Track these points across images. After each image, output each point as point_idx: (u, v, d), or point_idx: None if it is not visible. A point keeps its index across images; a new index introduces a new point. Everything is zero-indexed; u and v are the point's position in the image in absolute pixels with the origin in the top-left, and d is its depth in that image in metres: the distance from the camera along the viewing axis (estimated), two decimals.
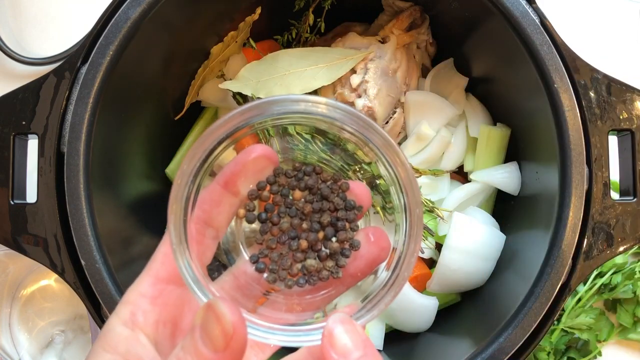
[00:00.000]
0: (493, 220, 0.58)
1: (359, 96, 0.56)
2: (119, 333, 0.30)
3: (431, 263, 0.60)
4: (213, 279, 0.34)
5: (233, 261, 0.35)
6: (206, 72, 0.58)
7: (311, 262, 0.32)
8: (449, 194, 0.59)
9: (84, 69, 0.44)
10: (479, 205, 0.59)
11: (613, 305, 0.64)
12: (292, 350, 0.33)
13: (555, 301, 0.44)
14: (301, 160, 0.38)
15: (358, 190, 0.34)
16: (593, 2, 0.70)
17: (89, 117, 0.44)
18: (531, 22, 0.45)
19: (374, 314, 0.30)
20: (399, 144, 0.61)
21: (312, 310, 0.34)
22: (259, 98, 0.34)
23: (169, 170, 0.60)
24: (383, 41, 0.58)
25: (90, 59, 0.44)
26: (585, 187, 0.44)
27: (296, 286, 0.33)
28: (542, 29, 0.45)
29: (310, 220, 0.33)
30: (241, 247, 0.36)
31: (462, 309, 0.59)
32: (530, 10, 0.45)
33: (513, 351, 0.43)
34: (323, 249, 0.33)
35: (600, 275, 0.63)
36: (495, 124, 0.60)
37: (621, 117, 0.46)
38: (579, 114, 0.45)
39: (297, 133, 0.42)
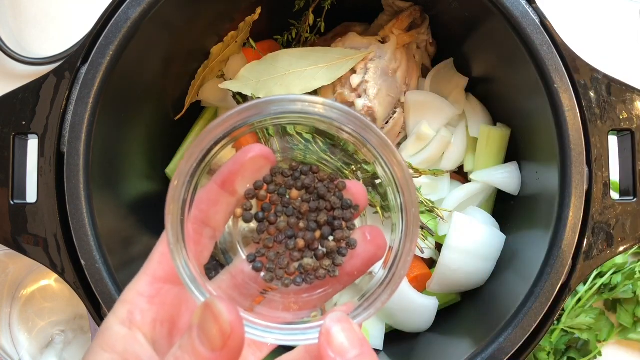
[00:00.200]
0: (493, 220, 0.58)
1: (359, 96, 0.56)
2: (116, 332, 0.30)
3: (431, 263, 0.60)
4: (210, 278, 0.34)
5: (230, 260, 0.36)
6: (206, 72, 0.58)
7: (308, 261, 0.33)
8: (449, 194, 0.59)
9: (84, 69, 0.44)
10: (479, 205, 0.59)
11: (613, 305, 0.64)
12: (289, 348, 0.33)
13: (555, 301, 0.44)
14: (301, 160, 0.38)
15: (355, 189, 0.34)
16: (593, 2, 0.70)
17: (89, 117, 0.44)
18: (531, 22, 0.45)
19: (370, 313, 0.30)
20: (399, 144, 0.61)
21: (309, 309, 0.34)
22: (258, 98, 0.34)
23: (169, 170, 0.60)
24: (383, 41, 0.58)
25: (90, 59, 0.44)
26: (585, 187, 0.44)
27: (293, 285, 0.33)
28: (542, 29, 0.45)
29: (307, 220, 0.33)
30: (238, 246, 0.36)
31: (462, 309, 0.59)
32: (530, 10, 0.45)
33: (513, 351, 0.43)
34: (320, 247, 0.33)
35: (600, 275, 0.63)
36: (495, 124, 0.60)
37: (621, 117, 0.46)
38: (579, 114, 0.45)
39: (297, 133, 0.42)
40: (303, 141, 0.41)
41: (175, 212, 0.29)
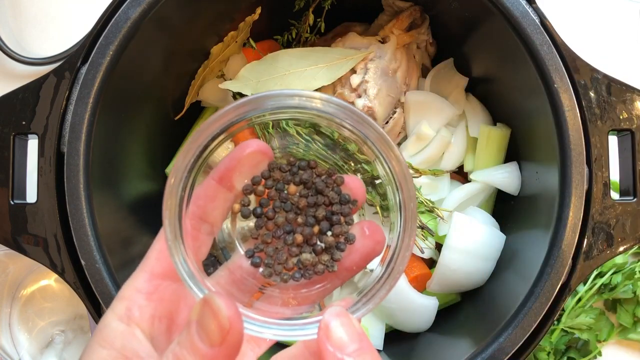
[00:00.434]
0: (493, 220, 0.58)
1: (359, 96, 0.56)
2: (114, 328, 0.30)
3: (431, 263, 0.60)
4: (209, 274, 0.34)
5: (228, 256, 0.36)
6: (206, 72, 0.58)
7: (306, 256, 0.33)
8: (449, 194, 0.59)
9: (84, 69, 0.44)
10: (479, 205, 0.59)
11: (613, 305, 0.64)
12: (287, 344, 0.33)
13: (555, 301, 0.44)
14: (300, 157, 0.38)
15: (353, 184, 0.34)
16: (593, 2, 0.70)
17: (89, 117, 0.44)
18: (531, 22, 0.45)
19: (369, 308, 0.30)
20: (399, 144, 0.61)
21: (307, 304, 0.34)
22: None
23: (169, 170, 0.60)
24: (383, 41, 0.58)
25: (90, 59, 0.44)
26: (585, 187, 0.44)
27: (292, 280, 0.33)
28: (542, 29, 0.45)
29: (305, 215, 0.33)
30: (236, 242, 0.36)
31: (462, 309, 0.59)
32: (530, 10, 0.45)
33: (513, 351, 0.43)
34: (318, 243, 0.33)
35: (600, 275, 0.63)
36: (495, 124, 0.60)
37: (621, 117, 0.46)
38: (579, 114, 0.45)
39: (297, 133, 0.42)
40: (303, 140, 0.41)
41: (173, 208, 0.29)
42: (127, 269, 0.45)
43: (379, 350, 0.57)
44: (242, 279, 0.34)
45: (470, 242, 0.53)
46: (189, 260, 0.30)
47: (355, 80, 0.56)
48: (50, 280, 0.63)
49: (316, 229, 0.33)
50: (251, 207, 0.34)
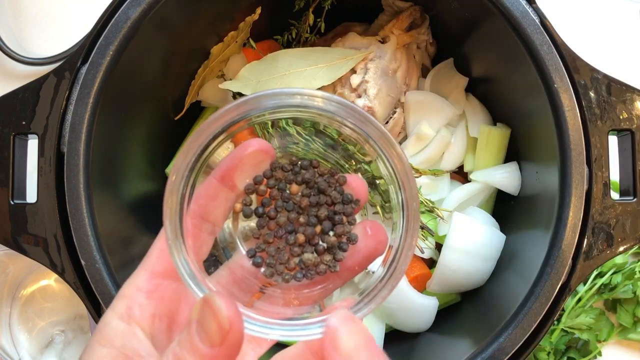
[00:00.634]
0: (493, 220, 0.58)
1: (359, 96, 0.56)
2: (114, 327, 0.30)
3: (431, 263, 0.60)
4: (209, 273, 0.34)
5: (230, 256, 0.35)
6: (206, 72, 0.58)
7: (308, 256, 0.32)
8: (449, 194, 0.59)
9: (84, 69, 0.44)
10: (479, 205, 0.59)
11: (613, 305, 0.64)
12: (288, 344, 0.33)
13: (555, 301, 0.44)
14: (301, 156, 0.38)
15: (355, 183, 0.34)
16: (593, 2, 0.70)
17: (89, 117, 0.44)
18: (531, 22, 0.45)
19: (371, 308, 0.30)
20: (399, 144, 0.61)
21: (309, 304, 0.34)
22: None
23: (169, 170, 0.60)
24: (383, 41, 0.58)
25: (90, 59, 0.44)
26: (585, 187, 0.44)
27: (293, 280, 0.33)
28: (542, 29, 0.45)
29: (308, 214, 0.33)
30: (238, 241, 0.36)
31: (462, 309, 0.59)
32: (530, 10, 0.45)
33: (513, 351, 0.43)
34: (320, 242, 0.33)
35: (600, 275, 0.63)
36: (495, 124, 0.60)
37: (621, 117, 0.46)
38: (579, 114, 0.45)
39: (298, 133, 0.42)
40: (303, 140, 0.41)
41: (174, 207, 0.29)
42: (127, 269, 0.45)
43: None
44: (243, 279, 0.34)
45: (470, 242, 0.53)
46: (190, 259, 0.29)
47: (355, 80, 0.56)
48: (50, 280, 0.63)
49: (318, 228, 0.33)
50: (253, 207, 0.33)
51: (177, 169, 0.29)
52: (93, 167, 0.44)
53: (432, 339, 0.56)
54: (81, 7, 0.69)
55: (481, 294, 0.56)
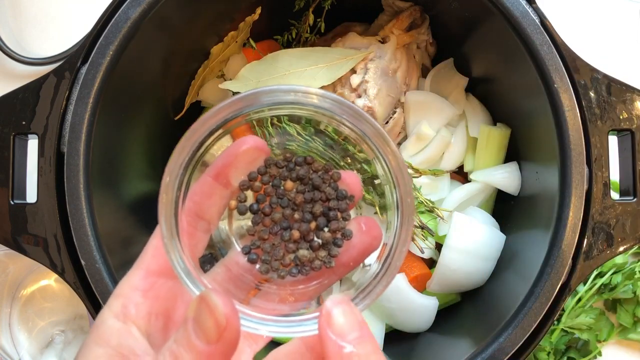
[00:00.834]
0: (493, 220, 0.58)
1: (359, 96, 0.56)
2: (110, 326, 0.30)
3: (431, 263, 0.60)
4: (205, 271, 0.34)
5: (225, 253, 0.35)
6: (206, 72, 0.58)
7: (303, 252, 0.33)
8: (449, 194, 0.59)
9: (84, 69, 0.44)
10: (479, 205, 0.59)
11: (613, 305, 0.64)
12: (285, 340, 0.33)
13: (555, 301, 0.44)
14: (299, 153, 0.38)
15: (349, 179, 0.34)
16: (593, 2, 0.70)
17: (89, 117, 0.44)
18: (531, 22, 0.45)
19: (366, 303, 0.30)
20: (399, 144, 0.61)
21: (305, 301, 0.34)
22: None
23: None
24: (383, 41, 0.58)
25: (90, 59, 0.44)
26: (585, 187, 0.44)
27: (289, 276, 0.33)
28: (542, 29, 0.45)
29: (302, 211, 0.33)
30: (233, 238, 0.36)
31: (462, 309, 0.59)
32: (530, 10, 0.45)
33: (513, 351, 0.43)
34: (315, 239, 0.33)
35: (600, 275, 0.63)
36: (495, 124, 0.60)
37: (621, 117, 0.46)
38: (579, 114, 0.45)
39: (297, 133, 0.42)
40: (302, 139, 0.41)
41: (169, 205, 0.29)
42: (127, 269, 0.45)
43: None
44: (239, 276, 0.34)
45: (470, 242, 0.53)
46: (185, 257, 0.29)
47: (355, 80, 0.56)
48: (50, 280, 0.63)
49: (313, 225, 0.33)
50: (248, 204, 0.33)
51: (171, 167, 0.29)
52: (93, 167, 0.44)
53: (432, 339, 0.56)
54: (81, 7, 0.69)
55: (481, 294, 0.56)
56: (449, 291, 0.57)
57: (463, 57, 0.60)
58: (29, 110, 0.45)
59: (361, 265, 0.34)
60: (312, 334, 0.29)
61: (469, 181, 0.60)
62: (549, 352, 0.61)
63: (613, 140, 0.47)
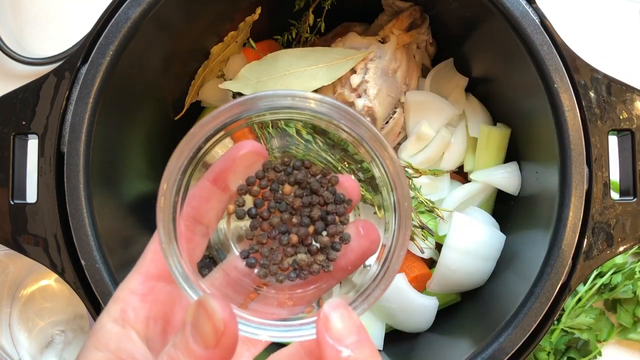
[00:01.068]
0: (493, 220, 0.58)
1: (359, 96, 0.56)
2: (109, 330, 0.30)
3: (431, 263, 0.60)
4: (203, 275, 0.34)
5: (223, 257, 0.35)
6: (206, 72, 0.58)
7: (302, 256, 0.33)
8: (449, 194, 0.59)
9: (84, 69, 0.44)
10: (479, 205, 0.59)
11: (613, 305, 0.64)
12: (284, 344, 0.33)
13: (555, 301, 0.44)
14: (300, 157, 0.38)
15: (347, 183, 0.34)
16: (593, 2, 0.70)
17: (89, 117, 0.44)
18: (531, 22, 0.45)
19: (364, 308, 0.30)
20: (399, 143, 0.61)
21: (303, 305, 0.34)
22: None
23: None
24: (383, 41, 0.58)
25: (90, 59, 0.44)
26: (585, 187, 0.44)
27: (287, 280, 0.33)
28: (542, 29, 0.45)
29: (300, 215, 0.33)
30: (231, 243, 0.36)
31: (462, 309, 0.59)
32: (530, 10, 0.45)
33: (513, 351, 0.43)
34: (313, 243, 0.33)
35: (600, 275, 0.63)
36: (495, 124, 0.60)
37: (621, 117, 0.46)
38: (579, 114, 0.45)
39: (298, 133, 0.42)
40: (303, 141, 0.41)
41: (167, 209, 0.29)
42: (127, 269, 0.45)
43: (379, 350, 0.57)
44: (237, 280, 0.34)
45: (470, 242, 0.53)
46: (184, 262, 0.29)
47: (355, 80, 0.56)
48: (50, 280, 0.63)
49: (311, 229, 0.33)
50: (246, 208, 0.34)
51: (169, 172, 0.29)
52: (93, 167, 0.44)
53: (432, 339, 0.56)
54: (81, 7, 0.69)
55: (481, 294, 0.56)
56: (449, 291, 0.57)
57: (463, 57, 0.60)
58: (29, 110, 0.45)
59: (362, 266, 0.34)
60: (310, 338, 0.29)
61: (469, 181, 0.60)
62: (549, 352, 0.61)
63: (613, 140, 0.47)
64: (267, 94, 0.30)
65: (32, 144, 0.46)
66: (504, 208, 0.60)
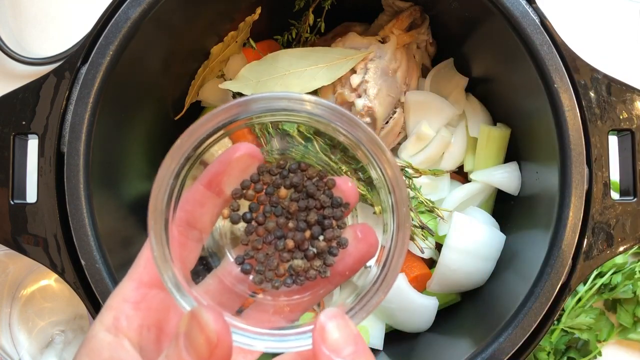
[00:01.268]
0: (493, 220, 0.58)
1: (359, 96, 0.56)
2: (102, 339, 0.30)
3: (431, 263, 0.60)
4: (197, 282, 0.33)
5: (218, 263, 0.35)
6: (206, 72, 0.58)
7: (298, 262, 0.32)
8: (449, 194, 0.59)
9: (84, 69, 0.44)
10: (479, 205, 0.59)
11: (613, 305, 0.64)
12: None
13: (555, 301, 0.44)
14: (299, 159, 0.38)
15: (344, 186, 0.33)
16: (593, 2, 0.70)
17: (89, 117, 0.44)
18: (531, 22, 0.45)
19: (362, 316, 0.30)
20: (399, 144, 0.61)
21: (300, 311, 0.33)
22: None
23: None
24: (383, 41, 0.58)
25: (90, 59, 0.44)
26: (585, 187, 0.44)
27: (283, 287, 0.32)
28: (542, 29, 0.45)
29: (297, 219, 0.32)
30: (226, 248, 0.35)
31: (462, 309, 0.59)
32: (530, 10, 0.45)
33: (513, 351, 0.43)
34: (310, 248, 0.32)
35: (600, 275, 0.63)
36: (495, 124, 0.60)
37: (621, 117, 0.46)
38: (579, 114, 0.45)
39: (298, 133, 0.42)
40: (303, 142, 0.41)
41: (159, 215, 0.29)
42: (127, 269, 0.45)
43: (379, 351, 0.57)
44: (233, 287, 0.33)
45: (470, 242, 0.53)
46: (177, 270, 0.29)
47: (355, 80, 0.56)
48: (50, 280, 0.63)
49: (308, 233, 0.32)
50: (241, 212, 0.33)
51: (162, 175, 0.29)
52: (93, 167, 0.44)
53: (432, 339, 0.56)
54: (81, 7, 0.69)
55: (481, 294, 0.56)
56: (449, 291, 0.57)
57: (463, 57, 0.60)
58: (29, 110, 0.45)
59: (362, 266, 0.34)
60: (307, 348, 0.29)
61: (469, 181, 0.60)
62: (549, 352, 0.61)
63: (613, 140, 0.47)
64: (263, 96, 0.29)
65: (32, 144, 0.46)
66: (504, 208, 0.60)
